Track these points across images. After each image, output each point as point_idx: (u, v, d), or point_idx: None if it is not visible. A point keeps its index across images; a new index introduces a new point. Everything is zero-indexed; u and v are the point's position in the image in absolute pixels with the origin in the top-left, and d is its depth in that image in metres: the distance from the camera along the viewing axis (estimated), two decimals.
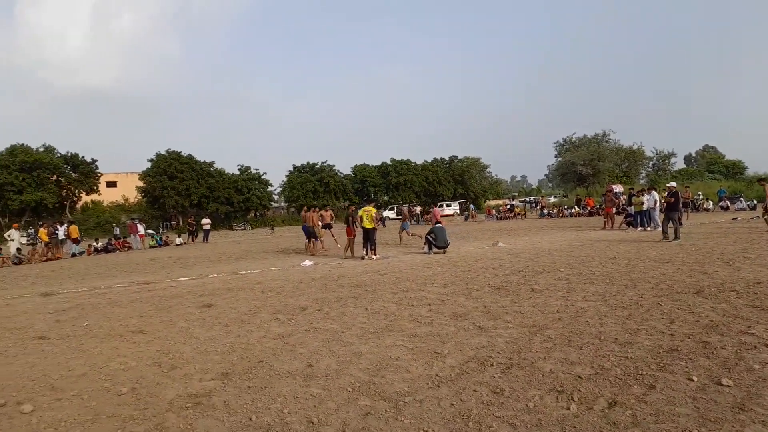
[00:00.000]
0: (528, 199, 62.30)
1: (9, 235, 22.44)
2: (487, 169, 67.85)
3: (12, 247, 21.67)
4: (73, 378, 4.58)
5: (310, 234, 17.00)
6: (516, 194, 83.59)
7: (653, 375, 3.88)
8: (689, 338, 4.73)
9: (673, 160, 67.99)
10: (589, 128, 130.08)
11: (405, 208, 19.24)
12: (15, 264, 20.33)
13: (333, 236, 19.03)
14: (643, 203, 18.38)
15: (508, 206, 43.34)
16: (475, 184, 63.89)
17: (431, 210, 18.33)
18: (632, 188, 26.64)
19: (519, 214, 39.72)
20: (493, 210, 44.16)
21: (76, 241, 24.72)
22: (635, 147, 63.26)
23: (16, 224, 26.26)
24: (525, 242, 16.00)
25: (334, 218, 19.26)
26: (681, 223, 18.85)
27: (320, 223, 17.63)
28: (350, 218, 15.41)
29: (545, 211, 38.10)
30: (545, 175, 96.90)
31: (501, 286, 8.02)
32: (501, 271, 9.68)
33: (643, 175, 65.59)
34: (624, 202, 23.39)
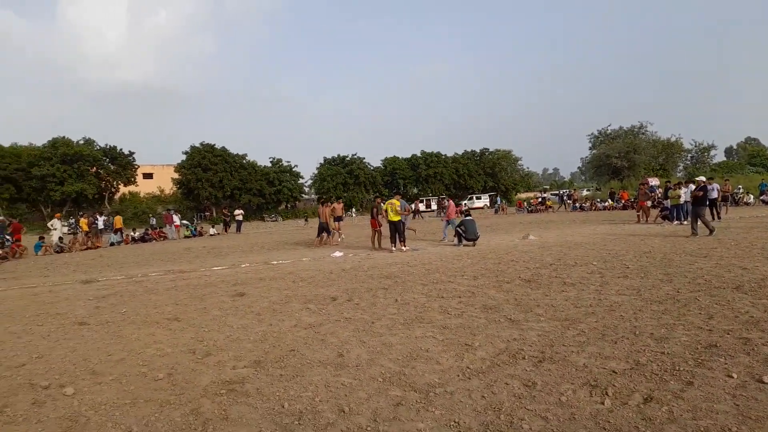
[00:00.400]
0: (561, 192, 61.26)
1: (52, 225, 23.23)
2: (519, 162, 67.05)
3: (54, 236, 22.42)
4: (112, 363, 4.72)
5: (323, 228, 16.94)
6: (548, 187, 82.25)
7: (691, 371, 3.77)
8: (728, 334, 4.58)
9: (712, 152, 65.97)
10: (625, 120, 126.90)
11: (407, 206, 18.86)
12: (57, 252, 21.05)
13: (338, 229, 18.85)
14: (680, 197, 17.86)
15: (540, 199, 42.66)
16: (506, 177, 63.23)
17: (447, 203, 17.70)
18: (669, 181, 25.93)
19: (550, 207, 39.09)
20: (524, 203, 43.57)
21: (119, 231, 25.65)
22: (673, 139, 61.49)
23: (58, 214, 27.22)
24: (557, 235, 15.74)
25: (344, 211, 18.83)
26: (720, 217, 18.33)
27: (332, 217, 17.45)
28: (375, 210, 15.39)
29: (577, 205, 37.37)
30: (578, 167, 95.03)
31: (532, 279, 7.91)
32: (532, 264, 9.56)
33: (681, 168, 63.75)
34: (660, 195, 22.77)
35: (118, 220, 26.59)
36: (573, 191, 45.48)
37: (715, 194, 18.39)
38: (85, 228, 24.16)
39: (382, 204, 15.49)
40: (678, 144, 61.61)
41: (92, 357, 4.92)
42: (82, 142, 45.54)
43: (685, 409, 3.18)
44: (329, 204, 17.89)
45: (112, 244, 24.44)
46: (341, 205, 19.64)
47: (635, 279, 7.48)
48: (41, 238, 22.33)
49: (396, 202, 13.81)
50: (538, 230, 18.15)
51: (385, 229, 14.65)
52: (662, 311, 5.51)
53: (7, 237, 20.64)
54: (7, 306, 8.07)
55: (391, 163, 59.23)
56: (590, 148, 67.44)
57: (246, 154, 52.77)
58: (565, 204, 39.31)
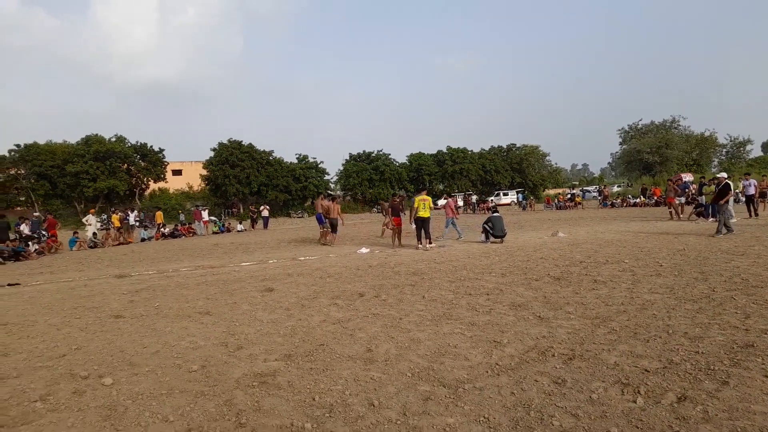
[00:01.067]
0: (589, 189, 60.18)
1: (87, 220, 23.82)
2: (547, 158, 66.01)
3: (89, 232, 23.03)
4: (148, 355, 4.87)
5: (333, 225, 16.43)
6: (577, 183, 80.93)
7: (726, 371, 3.71)
8: (766, 334, 4.49)
9: (749, 147, 64.05)
10: (657, 114, 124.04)
11: (386, 204, 18.54)
12: (91, 248, 21.63)
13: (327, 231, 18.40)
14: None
15: (569, 195, 42.09)
16: (533, 173, 62.39)
17: (446, 200, 17.03)
18: (703, 177, 25.29)
19: (579, 203, 38.55)
20: (552, 199, 43.04)
21: (159, 226, 26.87)
22: (707, 134, 59.92)
23: (93, 209, 28.01)
24: (586, 232, 15.54)
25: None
26: (757, 214, 17.82)
27: (336, 215, 16.70)
28: (396, 207, 15.21)
29: (608, 201, 36.79)
30: (608, 163, 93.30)
31: (561, 277, 7.85)
32: (561, 262, 9.47)
33: (716, 163, 62.06)
34: (694, 191, 22.22)
35: (159, 216, 28.16)
36: (603, 187, 44.75)
37: (752, 190, 17.92)
38: (117, 224, 24.78)
39: (403, 200, 15.41)
40: (712, 139, 60.01)
41: (128, 349, 5.08)
42: (114, 139, 46.56)
43: (721, 408, 3.14)
44: (334, 199, 17.51)
45: (143, 240, 25.05)
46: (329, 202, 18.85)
47: (669, 277, 7.36)
48: (75, 233, 22.97)
49: (428, 198, 13.75)
50: (567, 227, 17.94)
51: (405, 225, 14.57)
52: (697, 310, 5.42)
53: (43, 232, 21.31)
54: (46, 299, 8.37)
55: (416, 159, 58.99)
56: (621, 144, 66.20)
57: (272, 151, 53.25)
58: (599, 200, 38.77)
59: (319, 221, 17.53)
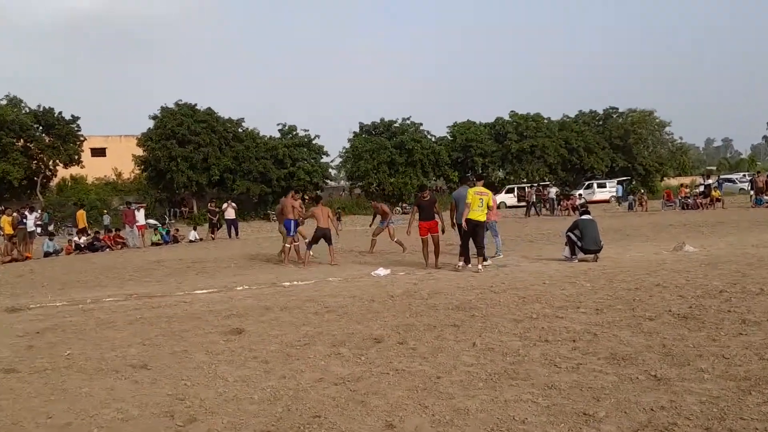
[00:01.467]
0: (732, 177, 59.48)
1: None
2: (666, 129, 65.37)
3: None
4: (55, 429, 4.92)
5: (326, 237, 16.45)
6: (713, 168, 79.95)
7: None
8: None
9: None
10: None
11: (384, 205, 18.60)
12: None
13: (304, 237, 18.36)
14: None
15: (700, 188, 41.60)
16: (645, 153, 61.72)
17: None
18: None
19: (718, 200, 38.14)
20: (675, 194, 42.63)
21: (83, 232, 27.11)
22: None
23: None
24: (729, 246, 15.39)
25: (303, 209, 17.67)
26: None
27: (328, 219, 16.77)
28: (430, 206, 14.73)
29: (763, 197, 36.33)
30: (764, 137, 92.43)
31: (690, 315, 7.78)
32: (689, 291, 9.40)
33: None
34: None
35: (82, 217, 27.99)
36: (756, 175, 44.17)
37: None
38: (9, 230, 24.95)
39: (428, 197, 15.17)
40: None
41: (25, 419, 5.13)
42: (4, 102, 47.03)
43: None
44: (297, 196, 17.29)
45: (47, 254, 25.34)
46: (299, 201, 18.58)
47: None
48: None
49: (488, 192, 13.49)
50: (699, 237, 17.78)
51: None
52: None
53: None
54: None
55: (463, 131, 58.13)
56: None
57: (242, 119, 53.48)
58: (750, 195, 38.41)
59: (288, 230, 17.29)
